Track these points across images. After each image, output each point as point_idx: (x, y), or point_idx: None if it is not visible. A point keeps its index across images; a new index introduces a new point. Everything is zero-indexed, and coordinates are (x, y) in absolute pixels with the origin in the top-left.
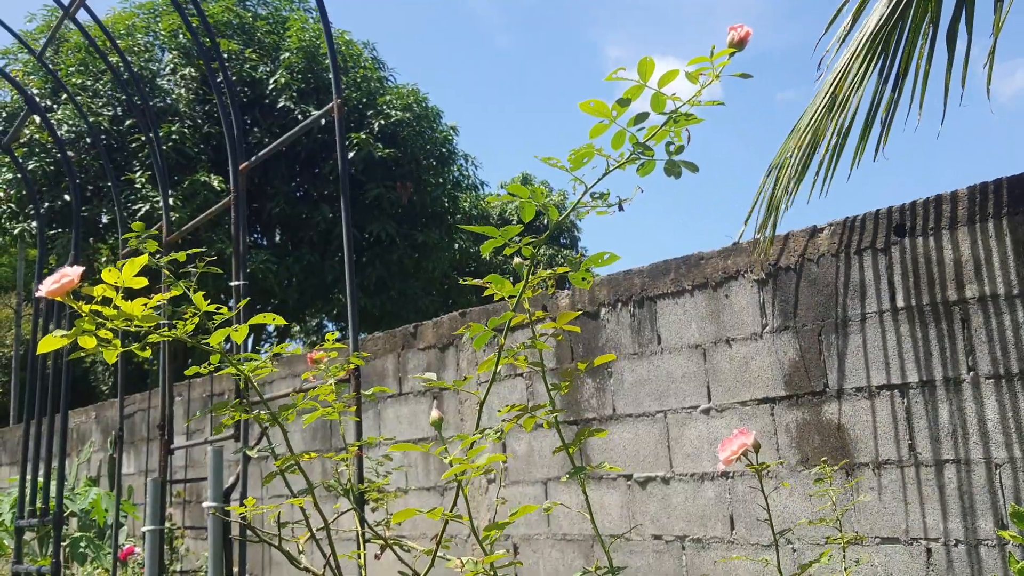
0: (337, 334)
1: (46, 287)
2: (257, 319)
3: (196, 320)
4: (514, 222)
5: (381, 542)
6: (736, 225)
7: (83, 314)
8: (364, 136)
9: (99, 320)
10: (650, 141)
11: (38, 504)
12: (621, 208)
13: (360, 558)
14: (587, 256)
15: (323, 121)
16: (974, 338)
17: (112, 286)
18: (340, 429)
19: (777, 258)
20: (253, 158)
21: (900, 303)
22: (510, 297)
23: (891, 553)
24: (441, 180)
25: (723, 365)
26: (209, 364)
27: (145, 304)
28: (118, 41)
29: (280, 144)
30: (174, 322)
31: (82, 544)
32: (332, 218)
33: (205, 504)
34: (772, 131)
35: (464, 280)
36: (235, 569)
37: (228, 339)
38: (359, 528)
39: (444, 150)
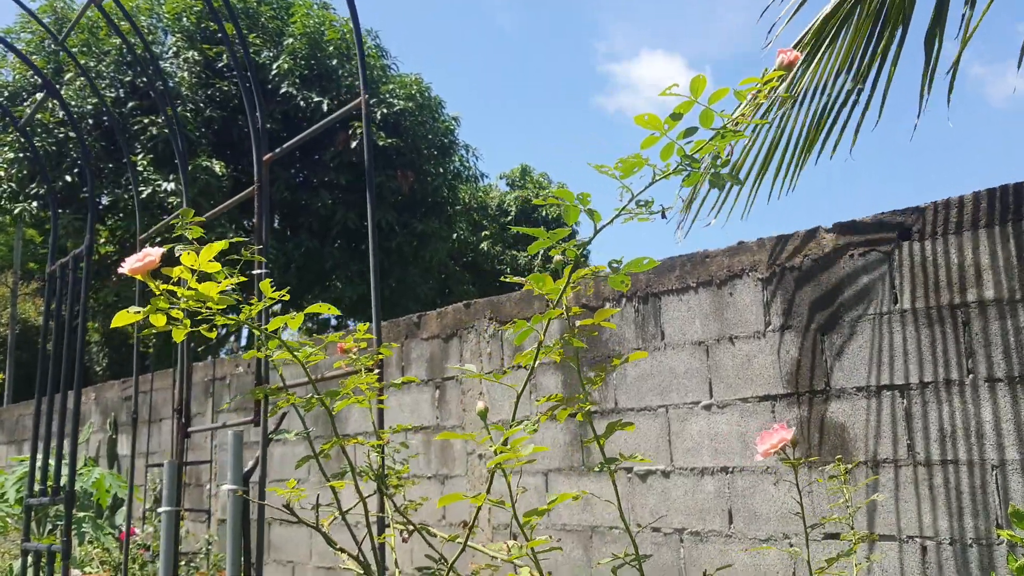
0: (367, 325)
1: (128, 265)
2: (313, 308)
3: (261, 306)
4: (512, 213)
5: (400, 526)
6: (733, 222)
7: (157, 293)
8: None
9: (172, 300)
10: (696, 154)
11: (48, 483)
12: (664, 216)
13: (391, 541)
14: (627, 259)
15: (325, 106)
16: (974, 341)
17: (189, 268)
18: (370, 416)
19: (781, 258)
20: (277, 150)
21: (902, 305)
22: (548, 295)
23: (888, 550)
24: (442, 170)
25: (725, 362)
26: (266, 348)
27: (216, 286)
28: (121, 23)
29: (305, 137)
30: (240, 306)
31: (84, 524)
32: (332, 205)
33: (224, 487)
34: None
35: (505, 278)
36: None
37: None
38: (388, 512)
39: (445, 140)
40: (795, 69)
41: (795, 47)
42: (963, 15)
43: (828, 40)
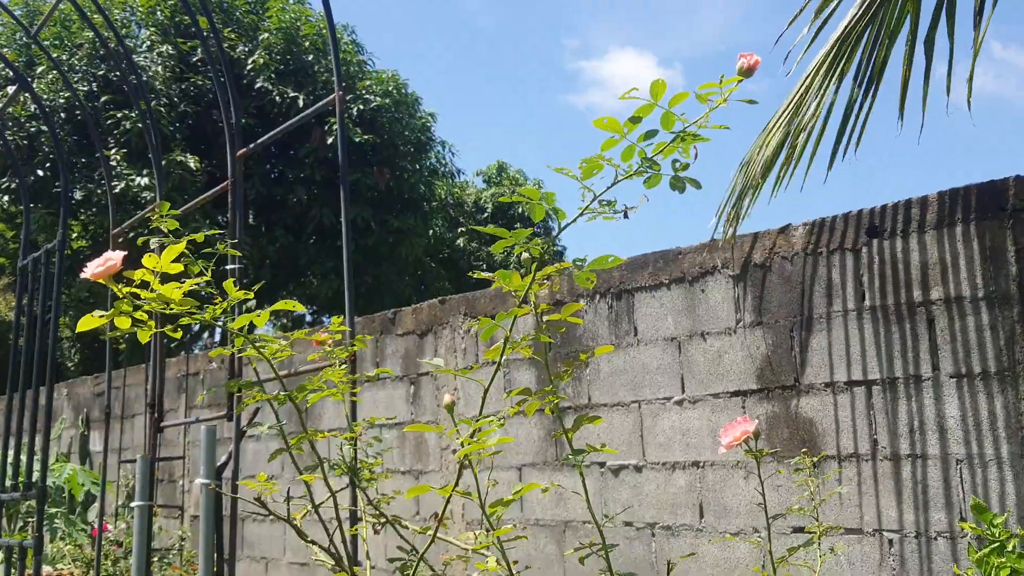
0: (340, 318)
1: (91, 270)
2: (279, 305)
3: (225, 305)
4: (489, 210)
5: (373, 519)
6: (700, 217)
7: (120, 296)
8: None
9: (136, 303)
10: (657, 156)
11: (18, 479)
12: (627, 216)
13: (363, 533)
14: (591, 257)
15: (301, 102)
16: (939, 338)
17: (151, 271)
18: (344, 409)
19: (752, 255)
20: (252, 145)
21: (869, 302)
22: (515, 291)
23: (853, 543)
24: (418, 167)
25: (697, 358)
26: (232, 345)
27: (178, 287)
28: (94, 16)
29: (279, 133)
30: (204, 306)
31: (56, 520)
32: (307, 201)
33: (198, 481)
34: (742, 120)
35: (473, 273)
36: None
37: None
38: (361, 505)
39: (422, 137)
40: (814, 84)
41: (814, 67)
42: (973, 37)
43: (844, 58)
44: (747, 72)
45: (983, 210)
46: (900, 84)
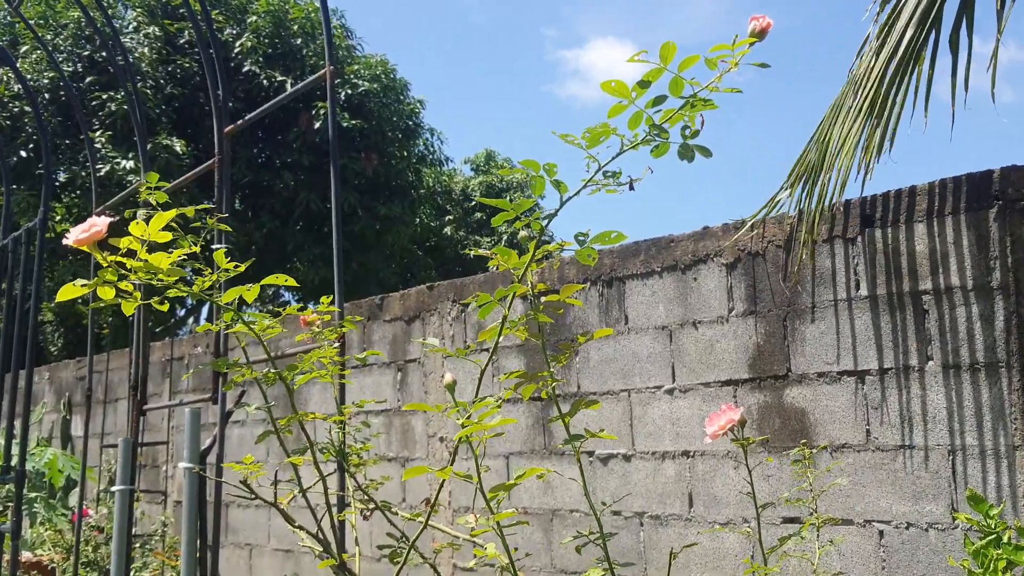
0: (330, 298)
1: (74, 236)
2: (270, 280)
3: (215, 277)
4: (477, 197)
5: (362, 505)
6: (690, 208)
7: (105, 265)
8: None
9: (121, 272)
10: (665, 124)
11: None
12: (632, 188)
13: (352, 519)
14: (593, 234)
15: (289, 86)
16: (932, 328)
17: (138, 239)
18: (333, 391)
19: (746, 243)
20: (240, 121)
21: (864, 292)
22: (514, 269)
23: (845, 534)
24: (406, 153)
25: (688, 347)
26: (221, 321)
27: (167, 256)
28: None
29: (270, 108)
30: (193, 278)
31: (36, 504)
32: (294, 186)
33: (182, 465)
34: (730, 107)
35: (470, 251)
36: (208, 531)
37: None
38: (349, 490)
39: (410, 123)
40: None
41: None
42: (997, 17)
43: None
44: (760, 34)
45: (977, 199)
46: (925, 81)
